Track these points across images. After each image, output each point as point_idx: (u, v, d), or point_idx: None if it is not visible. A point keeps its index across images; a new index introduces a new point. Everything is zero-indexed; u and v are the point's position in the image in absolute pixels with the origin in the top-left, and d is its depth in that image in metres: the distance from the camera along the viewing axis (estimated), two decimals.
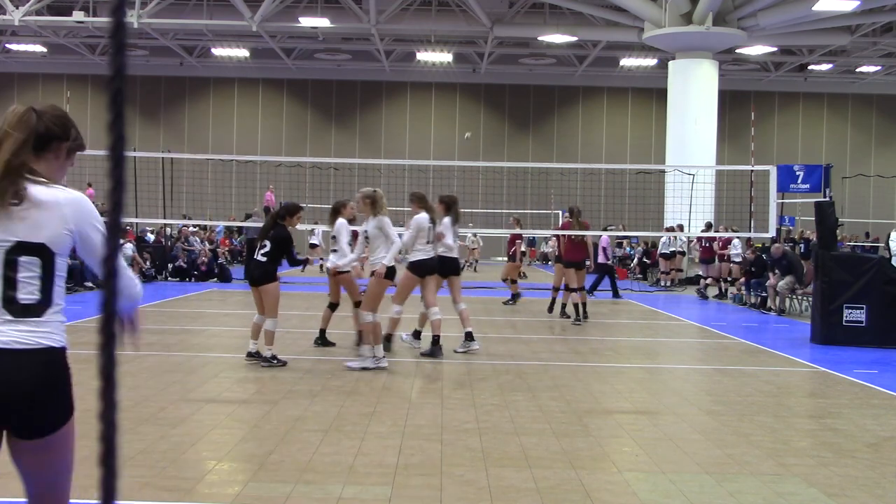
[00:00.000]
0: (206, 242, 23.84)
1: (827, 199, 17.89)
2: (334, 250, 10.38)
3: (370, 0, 27.51)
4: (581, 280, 13.99)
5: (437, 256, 9.82)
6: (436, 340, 9.84)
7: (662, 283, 23.15)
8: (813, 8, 23.92)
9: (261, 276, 8.92)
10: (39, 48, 34.54)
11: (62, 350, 2.58)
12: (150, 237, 24.78)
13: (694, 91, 26.10)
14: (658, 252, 23.55)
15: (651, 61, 32.81)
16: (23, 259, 2.53)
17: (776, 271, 16.02)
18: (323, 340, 10.53)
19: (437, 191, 30.09)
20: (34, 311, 2.53)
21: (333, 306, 10.49)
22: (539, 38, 30.31)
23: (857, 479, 5.44)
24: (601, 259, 19.59)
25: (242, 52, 34.38)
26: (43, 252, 2.55)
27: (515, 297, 17.00)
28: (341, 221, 10.33)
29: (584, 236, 14.25)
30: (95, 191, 26.93)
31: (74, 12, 28.50)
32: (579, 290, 13.89)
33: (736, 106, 36.57)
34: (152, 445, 5.77)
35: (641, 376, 9.31)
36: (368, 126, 37.78)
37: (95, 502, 0.93)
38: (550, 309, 15.22)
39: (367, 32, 30.18)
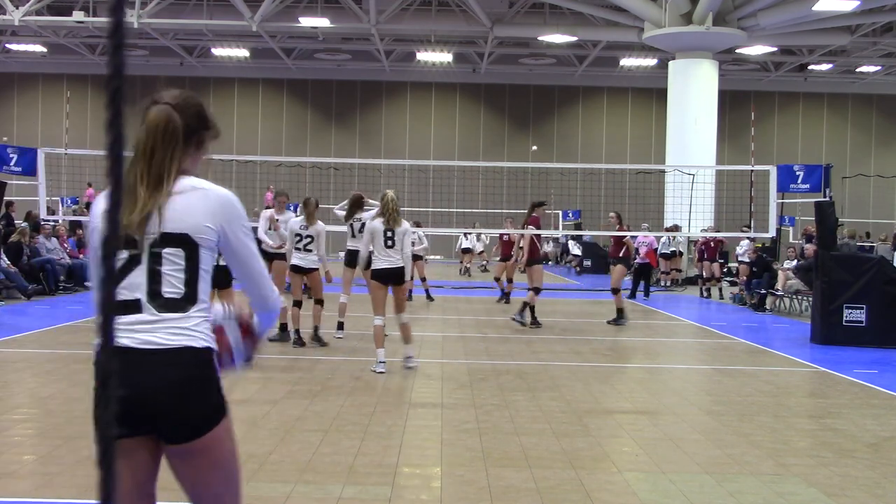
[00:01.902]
0: None
1: (827, 199, 17.88)
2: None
3: (370, 0, 27.50)
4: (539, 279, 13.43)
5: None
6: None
7: (662, 283, 23.15)
8: (813, 8, 23.91)
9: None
10: (39, 48, 34.53)
11: (206, 350, 2.46)
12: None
13: (694, 91, 26.08)
14: (658, 252, 23.53)
15: (651, 61, 32.80)
16: (167, 251, 2.44)
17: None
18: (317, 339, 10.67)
19: (437, 191, 30.18)
20: (178, 306, 2.44)
21: (298, 304, 10.67)
22: (539, 38, 30.30)
23: (857, 479, 5.44)
24: (639, 259, 19.61)
25: (242, 52, 34.37)
26: (186, 242, 2.46)
27: (506, 295, 16.83)
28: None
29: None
30: (95, 190, 26.95)
31: (74, 12, 28.47)
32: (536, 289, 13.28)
33: (736, 106, 36.56)
34: None
35: (641, 376, 9.31)
36: (368, 126, 37.78)
37: (96, 502, 0.92)
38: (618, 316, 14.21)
39: (367, 32, 30.17)
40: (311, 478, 5.13)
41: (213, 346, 2.49)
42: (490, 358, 10.11)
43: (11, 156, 18.10)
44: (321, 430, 6.33)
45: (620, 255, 14.77)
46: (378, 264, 8.92)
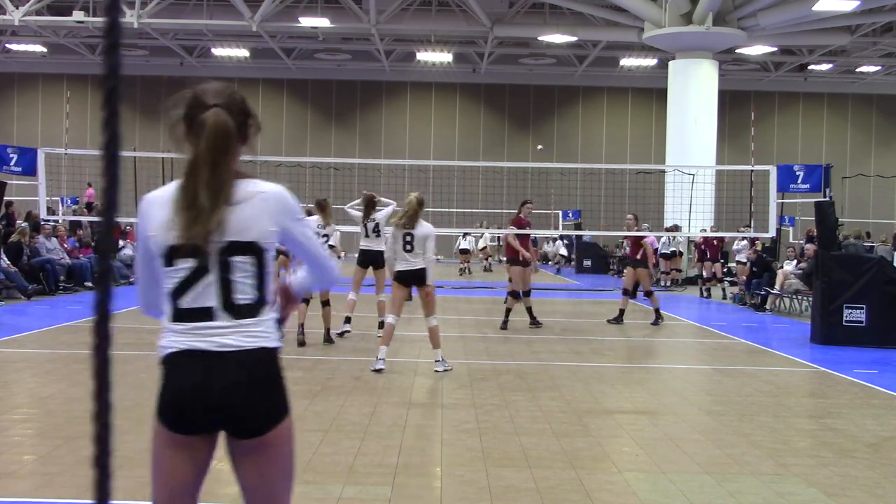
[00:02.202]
0: None
1: (827, 199, 17.87)
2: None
3: (370, 0, 27.49)
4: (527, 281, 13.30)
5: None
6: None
7: (662, 283, 23.14)
8: (813, 8, 23.91)
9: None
10: (39, 48, 34.53)
11: (276, 350, 2.53)
12: None
13: (694, 91, 26.08)
14: (658, 252, 23.53)
15: (651, 61, 32.80)
16: (236, 259, 2.48)
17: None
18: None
19: (438, 191, 30.16)
20: (251, 311, 2.48)
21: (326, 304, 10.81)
22: (539, 38, 30.30)
23: (857, 479, 5.44)
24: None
25: (242, 52, 34.37)
26: (254, 250, 2.49)
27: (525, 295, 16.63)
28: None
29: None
30: (95, 191, 26.95)
31: (74, 12, 28.47)
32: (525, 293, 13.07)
33: (736, 106, 36.55)
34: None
35: (641, 376, 9.30)
36: (368, 126, 37.77)
37: (93, 502, 0.92)
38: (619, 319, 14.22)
39: (367, 32, 30.17)
40: (311, 478, 5.12)
41: (282, 344, 2.56)
42: (490, 358, 10.11)
43: (11, 156, 18.10)
44: (321, 430, 6.33)
45: (638, 257, 14.61)
46: (398, 266, 9.03)
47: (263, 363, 2.48)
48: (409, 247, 8.91)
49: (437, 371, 8.88)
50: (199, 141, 2.45)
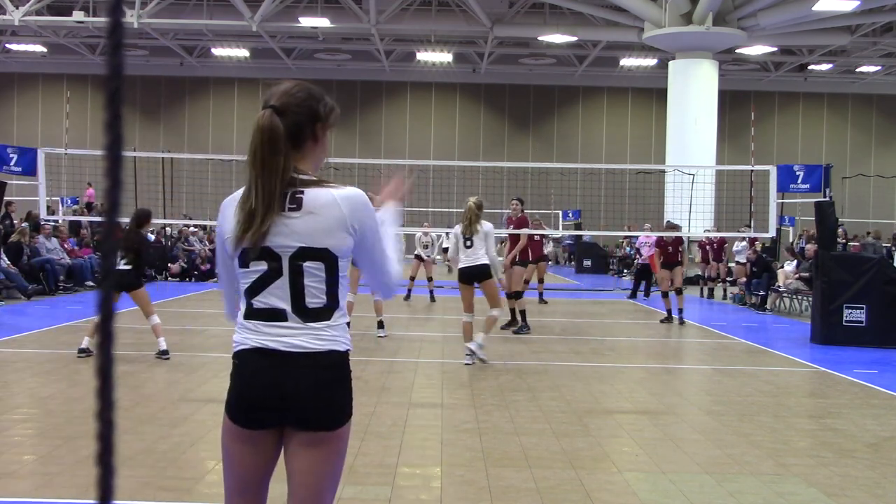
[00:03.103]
0: (206, 242, 23.83)
1: (827, 199, 17.87)
2: None
3: (370, 0, 27.50)
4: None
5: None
6: None
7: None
8: (813, 8, 23.91)
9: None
10: (39, 48, 34.52)
11: (346, 353, 2.57)
12: (151, 237, 24.76)
13: (694, 91, 26.09)
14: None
15: (651, 61, 32.80)
16: (307, 265, 2.50)
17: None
18: None
19: (437, 191, 30.16)
20: (322, 315, 2.52)
21: None
22: (539, 38, 30.30)
23: (857, 479, 5.44)
24: (640, 260, 19.70)
25: (242, 52, 34.37)
26: (326, 256, 2.51)
27: (539, 296, 16.29)
28: None
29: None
30: (95, 191, 26.96)
31: (74, 12, 28.48)
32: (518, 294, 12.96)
33: (736, 106, 36.56)
34: (152, 445, 5.77)
35: (641, 376, 9.31)
36: (368, 126, 37.77)
37: (96, 502, 0.92)
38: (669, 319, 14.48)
39: (367, 32, 30.17)
40: None
41: (351, 347, 2.61)
42: (490, 358, 10.11)
43: (11, 156, 18.10)
44: None
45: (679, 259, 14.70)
46: (460, 264, 9.55)
47: (332, 366, 2.52)
48: (469, 243, 9.49)
49: (469, 354, 9.38)
50: (251, 140, 2.49)
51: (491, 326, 9.75)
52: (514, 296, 12.78)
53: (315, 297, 2.51)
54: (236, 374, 2.54)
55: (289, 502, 2.59)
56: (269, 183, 2.46)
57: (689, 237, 22.62)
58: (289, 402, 2.48)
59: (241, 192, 2.57)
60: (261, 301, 2.52)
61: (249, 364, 2.51)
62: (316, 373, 2.49)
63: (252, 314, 2.53)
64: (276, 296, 2.50)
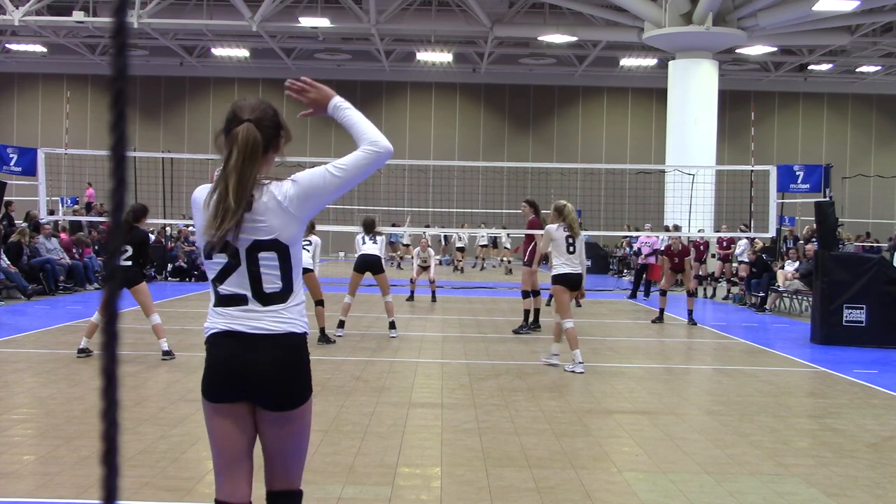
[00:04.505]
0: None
1: (827, 199, 17.88)
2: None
3: (370, 0, 27.50)
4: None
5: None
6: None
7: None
8: (813, 8, 23.91)
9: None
10: (39, 48, 34.52)
11: (303, 335, 2.89)
12: (151, 237, 24.77)
13: (694, 91, 26.09)
14: (660, 252, 23.56)
15: (651, 61, 32.81)
16: (262, 255, 2.82)
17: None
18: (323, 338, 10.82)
19: (437, 191, 30.17)
20: (278, 298, 2.83)
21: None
22: (539, 38, 30.29)
23: (857, 479, 5.44)
24: (640, 260, 19.74)
25: (242, 52, 34.37)
26: (276, 246, 2.83)
27: (550, 297, 16.06)
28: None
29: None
30: (95, 191, 26.96)
31: (74, 12, 28.48)
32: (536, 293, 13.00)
33: (736, 106, 36.56)
34: (152, 445, 5.78)
35: (641, 376, 9.31)
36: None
37: (96, 502, 0.93)
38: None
39: (367, 32, 30.17)
40: (311, 478, 5.13)
41: (308, 330, 2.93)
42: (490, 358, 10.11)
43: (11, 156, 18.11)
44: (321, 430, 6.33)
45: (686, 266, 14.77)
46: (560, 269, 9.42)
47: (294, 346, 2.85)
48: (572, 248, 9.44)
49: (579, 372, 9.19)
50: (231, 152, 2.82)
51: (561, 333, 9.59)
52: (535, 294, 12.86)
53: (271, 283, 2.83)
54: (208, 355, 2.88)
55: (265, 471, 2.97)
56: (244, 188, 2.78)
57: (700, 237, 22.62)
58: (254, 380, 2.80)
59: (204, 190, 2.91)
60: (225, 288, 2.84)
61: (219, 345, 2.84)
62: (278, 353, 2.81)
63: (219, 301, 2.86)
64: (237, 283, 2.82)
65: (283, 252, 2.84)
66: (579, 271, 9.44)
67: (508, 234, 28.93)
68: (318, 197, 2.88)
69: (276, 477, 2.97)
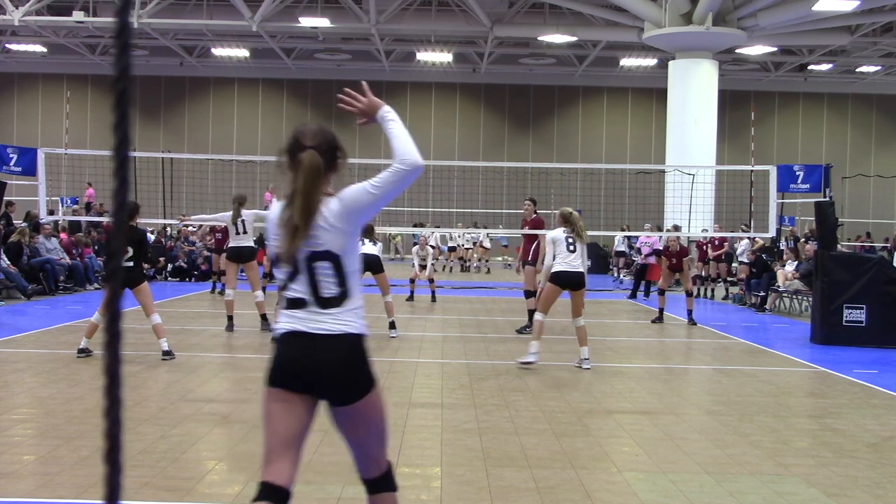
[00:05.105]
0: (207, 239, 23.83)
1: (827, 199, 17.88)
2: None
3: (370, 0, 27.50)
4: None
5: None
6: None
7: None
8: (813, 8, 23.91)
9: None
10: (39, 48, 34.51)
11: (360, 335, 3.16)
12: (151, 237, 24.77)
13: (694, 91, 26.09)
14: (660, 252, 23.54)
15: (651, 61, 32.80)
16: (318, 264, 3.15)
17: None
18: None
19: (437, 191, 30.15)
20: (335, 302, 3.14)
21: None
22: (539, 38, 30.29)
23: (857, 479, 5.45)
24: (640, 260, 19.76)
25: (242, 52, 34.36)
26: (332, 257, 3.16)
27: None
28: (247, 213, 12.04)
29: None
30: (95, 191, 26.97)
31: (74, 12, 28.47)
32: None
33: (736, 106, 36.56)
34: (152, 445, 5.78)
35: (641, 376, 9.31)
36: (368, 126, 37.68)
37: (98, 501, 0.93)
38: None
39: (367, 32, 30.17)
40: (311, 478, 5.13)
41: (366, 332, 3.20)
42: (490, 358, 10.11)
43: (11, 156, 18.11)
44: (321, 430, 6.31)
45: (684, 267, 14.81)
46: (557, 267, 9.42)
47: (351, 346, 3.13)
48: (572, 248, 9.44)
49: (585, 368, 9.33)
50: (297, 176, 3.13)
51: (585, 336, 9.57)
52: (532, 294, 12.82)
53: (328, 288, 3.14)
54: (276, 351, 3.18)
55: (355, 463, 3.30)
56: (310, 210, 3.11)
57: (689, 237, 22.62)
58: (316, 377, 3.09)
59: (276, 209, 3.24)
60: (289, 293, 3.18)
61: (286, 343, 3.15)
62: (336, 352, 3.10)
63: (286, 304, 3.19)
64: (300, 289, 3.15)
65: (336, 261, 3.16)
66: (580, 270, 9.41)
67: (488, 234, 28.96)
68: (360, 212, 3.19)
69: (366, 465, 3.27)
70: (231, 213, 11.97)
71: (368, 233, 11.87)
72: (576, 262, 9.40)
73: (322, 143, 3.18)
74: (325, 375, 3.09)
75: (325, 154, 3.17)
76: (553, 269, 9.45)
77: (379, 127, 3.37)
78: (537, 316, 9.55)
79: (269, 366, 3.16)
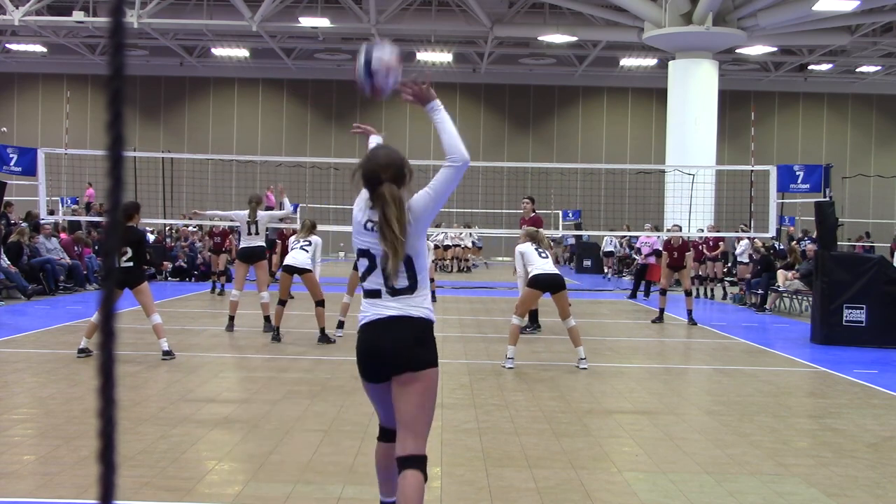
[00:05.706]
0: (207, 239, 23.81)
1: (827, 199, 17.88)
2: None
3: (370, 0, 27.50)
4: None
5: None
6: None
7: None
8: (813, 8, 23.91)
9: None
10: (39, 48, 34.51)
11: (424, 319, 3.61)
12: (150, 237, 24.76)
13: (694, 91, 26.08)
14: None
15: (651, 61, 32.79)
16: None
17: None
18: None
19: None
20: (405, 292, 3.60)
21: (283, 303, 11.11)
22: (539, 38, 30.28)
23: (857, 479, 5.44)
24: (640, 260, 19.79)
25: (242, 52, 34.36)
26: (406, 258, 3.61)
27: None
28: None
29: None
30: (95, 191, 26.97)
31: (74, 12, 28.47)
32: None
33: (736, 106, 36.55)
34: (152, 445, 5.78)
35: (641, 376, 9.31)
36: (369, 125, 37.73)
37: (95, 502, 0.93)
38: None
39: (367, 32, 30.16)
40: (311, 478, 5.13)
41: (433, 318, 3.69)
42: (490, 358, 10.11)
43: (11, 156, 18.10)
44: (321, 430, 6.33)
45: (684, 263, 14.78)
46: (535, 271, 9.61)
47: (419, 327, 3.59)
48: (544, 254, 9.77)
49: (582, 368, 9.41)
50: (381, 207, 3.54)
51: (579, 337, 9.74)
52: None
53: (400, 281, 3.59)
54: (357, 341, 3.69)
55: (397, 439, 3.60)
56: (400, 229, 3.51)
57: (689, 237, 22.62)
58: (387, 352, 3.56)
59: (362, 200, 3.68)
60: (367, 285, 3.67)
61: (364, 332, 3.65)
62: (407, 332, 3.57)
63: (365, 294, 3.69)
64: (375, 281, 3.64)
65: (409, 261, 3.60)
66: (556, 272, 9.69)
67: (471, 234, 28.95)
68: (426, 214, 3.63)
69: (406, 439, 3.56)
70: (247, 212, 11.92)
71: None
72: (549, 266, 9.68)
73: (395, 172, 3.60)
74: (397, 348, 3.54)
75: (398, 179, 3.59)
76: (531, 274, 9.65)
77: (379, 130, 3.71)
78: (514, 320, 9.63)
79: (356, 356, 3.68)
